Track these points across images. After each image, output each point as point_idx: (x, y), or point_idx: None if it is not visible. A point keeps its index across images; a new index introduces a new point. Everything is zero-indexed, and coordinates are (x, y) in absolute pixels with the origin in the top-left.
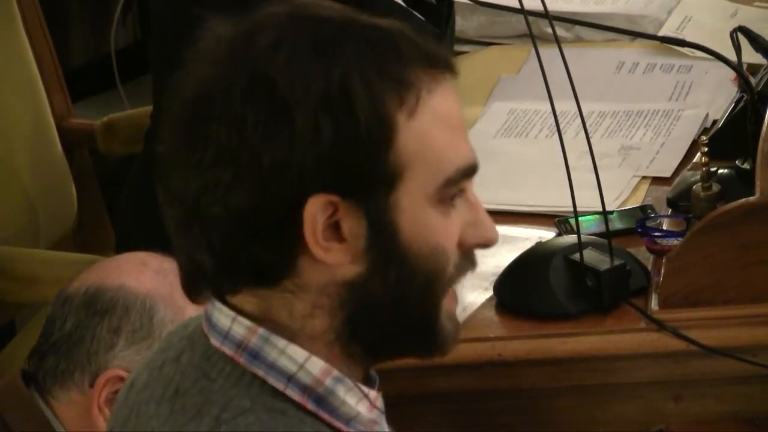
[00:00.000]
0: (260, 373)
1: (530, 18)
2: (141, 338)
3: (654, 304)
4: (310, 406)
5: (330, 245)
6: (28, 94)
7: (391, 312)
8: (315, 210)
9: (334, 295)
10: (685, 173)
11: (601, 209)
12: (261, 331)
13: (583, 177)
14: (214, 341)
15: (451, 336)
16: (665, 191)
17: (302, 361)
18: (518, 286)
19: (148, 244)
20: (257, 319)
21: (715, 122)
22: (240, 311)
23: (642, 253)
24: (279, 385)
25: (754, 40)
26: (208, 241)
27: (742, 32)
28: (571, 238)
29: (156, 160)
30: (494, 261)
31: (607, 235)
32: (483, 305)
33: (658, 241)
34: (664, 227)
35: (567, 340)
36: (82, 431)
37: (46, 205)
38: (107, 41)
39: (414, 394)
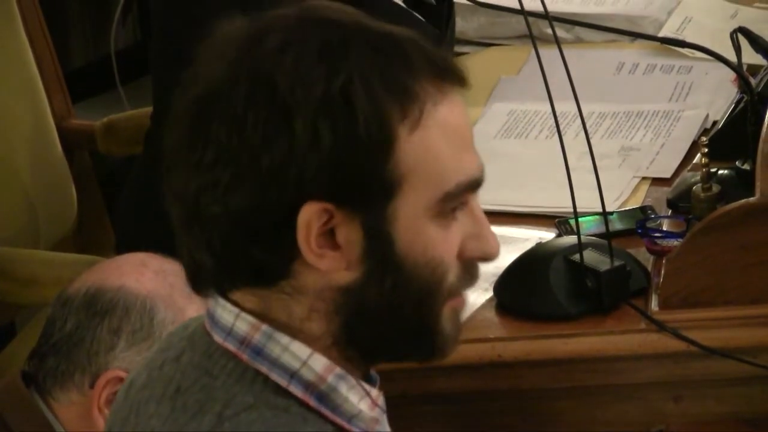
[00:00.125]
0: (263, 369)
1: (530, 19)
2: (141, 339)
3: (654, 304)
4: (312, 403)
5: (324, 252)
6: (28, 94)
7: (387, 319)
8: (309, 216)
9: (330, 300)
10: (685, 174)
11: (601, 210)
12: (264, 327)
13: (583, 178)
14: (217, 338)
15: (451, 339)
16: (665, 192)
17: (305, 358)
18: (518, 287)
19: (148, 245)
20: (258, 316)
21: (715, 123)
22: (242, 308)
23: (642, 254)
24: (282, 382)
25: (754, 41)
26: (208, 241)
27: (742, 33)
28: (571, 239)
29: (161, 156)
30: (494, 262)
31: (607, 235)
32: (483, 306)
33: (658, 241)
34: (664, 228)
35: (567, 341)
36: None
37: (46, 206)
38: (107, 42)
39: (414, 394)
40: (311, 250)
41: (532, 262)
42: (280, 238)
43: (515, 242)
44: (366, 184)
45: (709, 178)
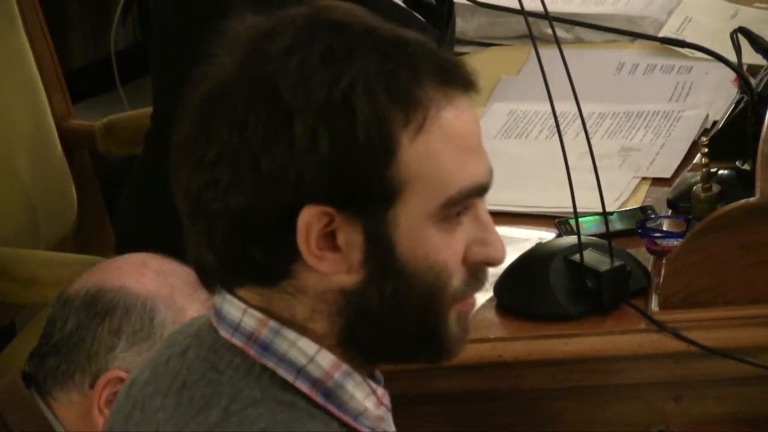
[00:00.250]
0: (270, 364)
1: (530, 19)
2: (141, 339)
3: (654, 305)
4: (319, 399)
5: (324, 254)
6: (28, 94)
7: (388, 322)
8: (309, 219)
9: (331, 302)
10: (685, 174)
11: (601, 210)
12: (272, 323)
13: (583, 178)
14: (224, 333)
15: (458, 341)
16: (665, 192)
17: (312, 354)
18: (518, 287)
19: (148, 245)
20: (263, 313)
21: (715, 123)
22: (249, 304)
23: (642, 254)
24: (289, 377)
25: (755, 41)
26: (210, 238)
27: (742, 33)
28: (571, 239)
29: (168, 153)
30: None
31: (607, 236)
32: (483, 306)
33: (658, 242)
34: (664, 228)
35: (567, 341)
36: None
37: (46, 206)
38: (107, 42)
39: (414, 394)
40: (311, 252)
41: (532, 262)
42: (280, 239)
43: (515, 242)
44: (366, 188)
45: (709, 178)
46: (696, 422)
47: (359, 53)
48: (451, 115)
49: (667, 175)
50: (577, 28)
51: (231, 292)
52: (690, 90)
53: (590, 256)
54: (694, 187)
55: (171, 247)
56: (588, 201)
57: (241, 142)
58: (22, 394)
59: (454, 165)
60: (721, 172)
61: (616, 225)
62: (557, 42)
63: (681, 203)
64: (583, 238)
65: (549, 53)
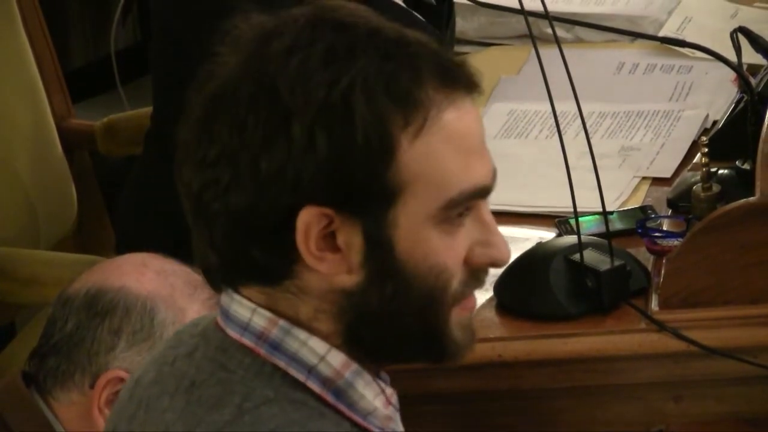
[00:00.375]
0: (281, 364)
1: (530, 19)
2: (142, 339)
3: (654, 304)
4: (329, 398)
5: (323, 255)
6: (28, 94)
7: (389, 323)
8: (309, 220)
9: (334, 302)
10: (686, 174)
11: (601, 210)
12: (282, 322)
13: (584, 177)
14: (233, 333)
15: (464, 344)
16: (665, 192)
17: (323, 353)
18: (518, 287)
19: (148, 245)
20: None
21: (715, 123)
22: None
23: (642, 254)
24: (300, 377)
25: (755, 40)
26: (211, 237)
27: (742, 33)
28: (571, 239)
29: (172, 152)
30: None
31: (608, 235)
32: (483, 306)
33: (659, 241)
34: (665, 228)
35: (567, 341)
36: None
37: (46, 206)
38: (107, 42)
39: (414, 394)
40: (310, 253)
41: (532, 262)
42: (280, 239)
43: (515, 242)
44: (365, 189)
45: (709, 177)
46: (696, 422)
47: (360, 54)
48: (453, 116)
49: (667, 174)
50: (577, 28)
51: (237, 291)
52: (690, 90)
53: (590, 256)
54: (694, 187)
55: (171, 247)
56: (588, 201)
57: (241, 142)
58: (22, 394)
59: (455, 166)
60: (721, 171)
61: (616, 225)
62: (557, 42)
63: (681, 203)
64: (583, 237)
65: (549, 53)
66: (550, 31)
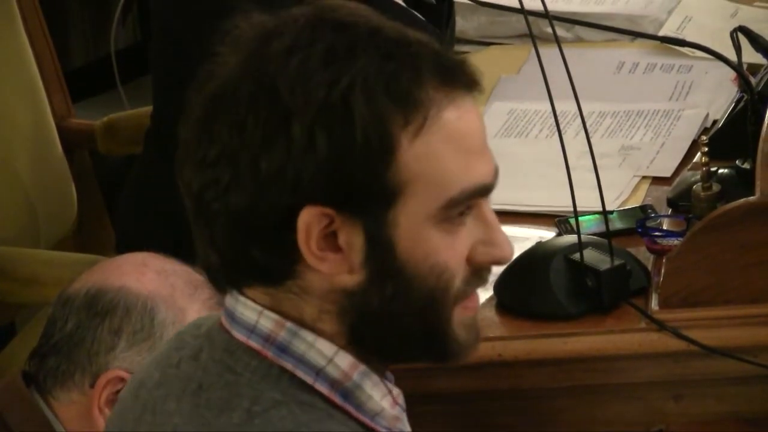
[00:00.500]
0: (288, 366)
1: (530, 18)
2: (142, 339)
3: (654, 304)
4: (337, 400)
5: (325, 255)
6: (28, 94)
7: (390, 323)
8: (309, 220)
9: (336, 302)
10: (685, 173)
11: (601, 209)
12: (289, 324)
13: (584, 177)
14: (239, 335)
15: (467, 344)
16: (665, 191)
17: (331, 355)
18: (518, 286)
19: (148, 245)
20: (277, 313)
21: (715, 122)
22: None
23: (642, 253)
24: (308, 379)
25: (755, 40)
26: (212, 237)
27: (742, 32)
28: (571, 238)
29: (172, 151)
30: None
31: (608, 235)
32: (483, 305)
33: (659, 241)
34: (665, 227)
35: (567, 341)
36: (82, 431)
37: (46, 206)
38: (107, 42)
39: (414, 394)
40: (311, 253)
41: (532, 261)
42: (280, 240)
43: (515, 241)
44: (366, 189)
45: (709, 177)
46: (696, 422)
47: (360, 54)
48: (453, 116)
49: (667, 174)
50: (577, 27)
51: (242, 293)
52: (690, 89)
53: (590, 255)
54: (694, 186)
55: (171, 247)
56: (588, 200)
57: (241, 141)
58: (22, 394)
59: (456, 165)
60: (721, 171)
61: (616, 224)
62: (557, 41)
63: (681, 202)
64: (583, 237)
65: (549, 52)
66: (550, 30)
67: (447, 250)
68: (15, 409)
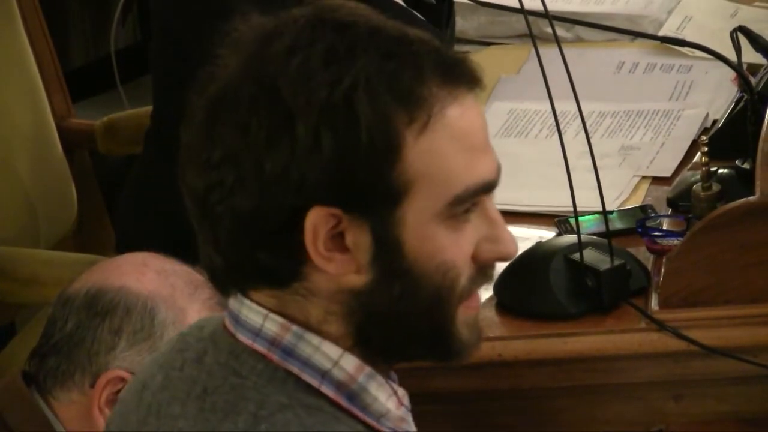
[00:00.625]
0: (294, 369)
1: (530, 18)
2: (142, 339)
3: (654, 304)
4: (344, 403)
5: (332, 255)
6: (28, 94)
7: (398, 323)
8: (317, 221)
9: (343, 303)
10: (685, 173)
11: (601, 209)
12: (295, 327)
13: (583, 177)
14: (243, 338)
15: (470, 343)
16: (665, 191)
17: (336, 358)
18: (518, 286)
19: (148, 245)
20: (282, 316)
21: (715, 122)
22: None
23: (642, 253)
24: (314, 382)
25: (754, 40)
26: (216, 239)
27: (742, 32)
28: (571, 238)
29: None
30: None
31: (608, 234)
32: (483, 305)
33: (659, 241)
34: (664, 227)
35: (567, 340)
36: (82, 431)
37: (46, 206)
38: (107, 42)
39: (414, 394)
40: (319, 254)
41: (532, 261)
42: (286, 241)
43: None
44: (372, 189)
45: (709, 177)
46: (696, 421)
47: (361, 53)
48: (456, 113)
49: (667, 174)
50: (577, 27)
51: (247, 295)
52: (690, 89)
53: (590, 255)
54: (694, 186)
55: (171, 247)
56: (588, 200)
57: (245, 143)
58: (22, 394)
59: (460, 163)
60: (721, 171)
61: (616, 224)
62: (557, 41)
63: (681, 202)
64: (583, 237)
65: (549, 52)
66: (550, 30)
67: (453, 248)
68: (15, 409)
